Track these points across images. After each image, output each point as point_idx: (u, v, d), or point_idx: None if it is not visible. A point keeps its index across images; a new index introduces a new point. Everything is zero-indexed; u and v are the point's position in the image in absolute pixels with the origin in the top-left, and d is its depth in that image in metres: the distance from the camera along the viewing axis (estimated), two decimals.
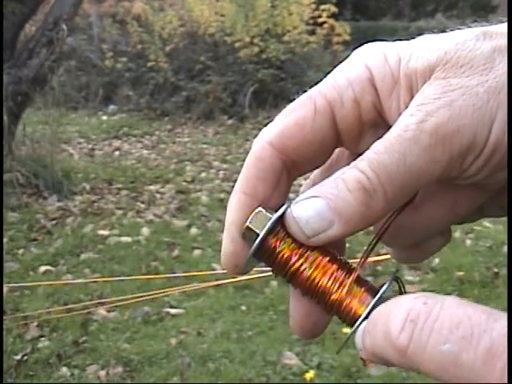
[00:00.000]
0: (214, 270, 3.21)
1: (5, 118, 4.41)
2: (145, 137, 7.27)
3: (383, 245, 0.35)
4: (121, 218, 4.22)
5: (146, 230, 3.94)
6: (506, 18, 0.31)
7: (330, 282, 0.30)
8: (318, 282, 0.30)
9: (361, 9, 14.42)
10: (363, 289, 0.30)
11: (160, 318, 2.84)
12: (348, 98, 0.31)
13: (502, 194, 0.32)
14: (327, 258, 0.31)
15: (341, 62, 0.33)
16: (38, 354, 2.49)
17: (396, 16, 15.30)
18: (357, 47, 0.33)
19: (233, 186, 0.32)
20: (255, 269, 0.34)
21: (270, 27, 8.23)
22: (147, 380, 2.36)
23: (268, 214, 0.31)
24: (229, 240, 0.32)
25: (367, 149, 0.30)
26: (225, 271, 0.33)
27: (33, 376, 2.37)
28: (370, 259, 0.32)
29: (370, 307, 0.29)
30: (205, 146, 6.77)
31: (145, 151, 6.54)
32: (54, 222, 4.08)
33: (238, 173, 0.32)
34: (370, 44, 0.33)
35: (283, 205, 0.31)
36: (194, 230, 3.99)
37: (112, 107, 8.61)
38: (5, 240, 3.59)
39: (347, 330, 0.30)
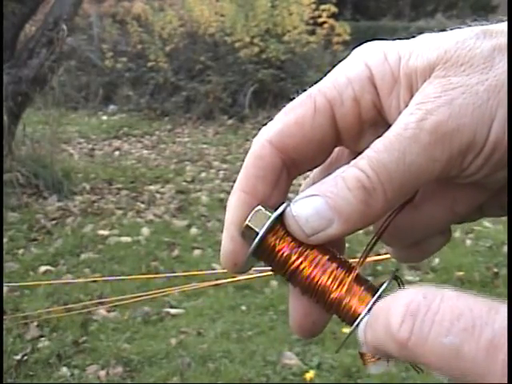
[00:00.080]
0: (213, 269, 3.20)
1: (5, 118, 4.41)
2: (145, 137, 7.27)
3: (383, 244, 0.35)
4: (121, 218, 4.22)
5: (146, 230, 3.94)
6: (505, 17, 0.31)
7: (330, 280, 0.30)
8: (317, 281, 0.30)
9: (361, 9, 14.42)
10: (363, 287, 0.30)
11: (160, 317, 2.83)
12: (348, 97, 0.31)
13: (502, 194, 0.32)
14: (327, 257, 0.31)
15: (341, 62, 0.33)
16: (38, 354, 2.48)
17: (396, 16, 15.29)
18: (357, 47, 0.33)
19: (233, 186, 0.32)
20: (255, 268, 0.34)
21: (270, 27, 8.23)
22: (147, 380, 2.36)
23: (267, 213, 0.31)
24: (228, 238, 0.32)
25: (367, 147, 0.29)
26: (225, 271, 0.33)
27: (33, 376, 2.37)
28: (370, 259, 0.32)
29: (369, 306, 0.29)
30: (205, 146, 6.77)
31: (145, 151, 6.53)
32: (54, 221, 4.08)
33: (238, 173, 0.32)
34: (369, 43, 0.33)
35: (283, 203, 0.31)
36: (194, 230, 3.99)
37: (112, 107, 8.61)
38: (5, 240, 3.59)
39: (347, 330, 0.30)
